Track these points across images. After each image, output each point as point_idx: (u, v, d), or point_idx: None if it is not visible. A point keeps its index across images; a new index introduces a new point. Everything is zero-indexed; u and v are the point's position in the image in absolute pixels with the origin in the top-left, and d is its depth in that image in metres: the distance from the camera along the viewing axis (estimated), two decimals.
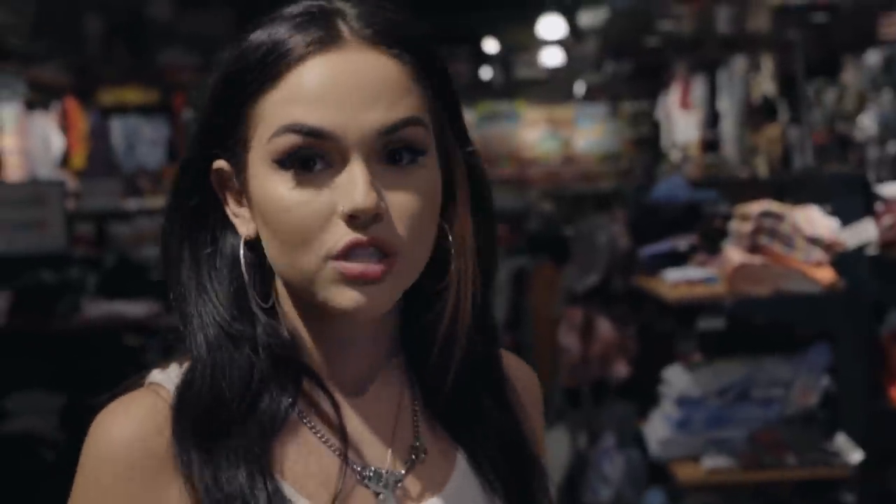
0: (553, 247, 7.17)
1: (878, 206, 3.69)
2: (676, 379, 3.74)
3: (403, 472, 1.13)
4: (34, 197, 6.34)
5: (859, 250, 3.46)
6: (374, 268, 1.05)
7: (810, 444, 3.51)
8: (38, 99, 10.96)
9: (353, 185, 1.03)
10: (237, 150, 1.09)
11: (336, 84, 1.06)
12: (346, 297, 1.05)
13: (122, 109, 13.52)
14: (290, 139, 1.05)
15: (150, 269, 6.62)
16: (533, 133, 19.23)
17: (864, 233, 3.44)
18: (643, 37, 11.39)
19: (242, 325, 1.10)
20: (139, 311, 5.76)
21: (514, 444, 1.18)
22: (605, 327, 5.27)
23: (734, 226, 3.65)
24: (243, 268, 1.11)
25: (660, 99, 14.23)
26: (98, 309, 5.71)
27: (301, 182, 1.05)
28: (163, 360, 1.14)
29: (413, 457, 1.14)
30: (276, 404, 1.08)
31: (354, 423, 1.13)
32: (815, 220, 3.43)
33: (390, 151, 1.07)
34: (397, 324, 1.17)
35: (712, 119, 12.62)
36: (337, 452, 1.10)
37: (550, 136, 19.14)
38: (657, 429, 3.81)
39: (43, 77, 10.77)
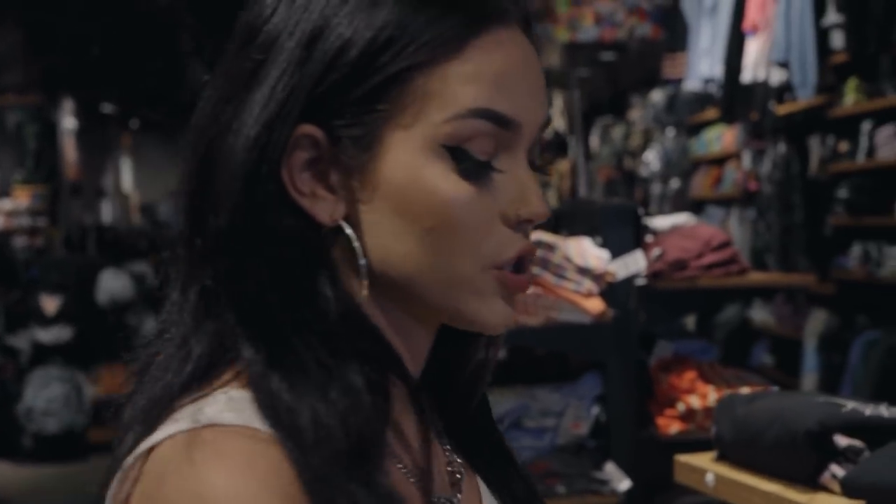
0: None
1: (648, 238, 3.76)
2: None
3: (458, 494, 1.01)
4: None
5: (628, 281, 3.51)
6: (526, 280, 0.95)
7: (580, 473, 3.53)
8: None
9: (528, 187, 0.93)
10: (360, 119, 0.90)
11: (523, 66, 0.93)
12: (499, 311, 0.94)
13: None
14: (476, 126, 0.90)
15: None
16: None
17: (634, 264, 3.49)
18: None
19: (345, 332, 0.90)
20: None
21: (499, 444, 1.10)
22: None
23: None
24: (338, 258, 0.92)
25: None
26: None
27: (468, 175, 0.90)
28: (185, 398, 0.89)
29: (458, 477, 1.03)
30: (380, 423, 0.89)
31: (415, 443, 0.97)
32: (586, 251, 3.46)
33: None
34: None
35: None
36: (412, 479, 0.94)
37: None
38: None
39: None
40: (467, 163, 0.90)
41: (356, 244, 0.91)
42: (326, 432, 0.84)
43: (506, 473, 1.08)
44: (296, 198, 0.91)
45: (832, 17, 6.32)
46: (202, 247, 0.92)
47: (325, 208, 0.91)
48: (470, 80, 0.89)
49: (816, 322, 7.00)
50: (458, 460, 1.05)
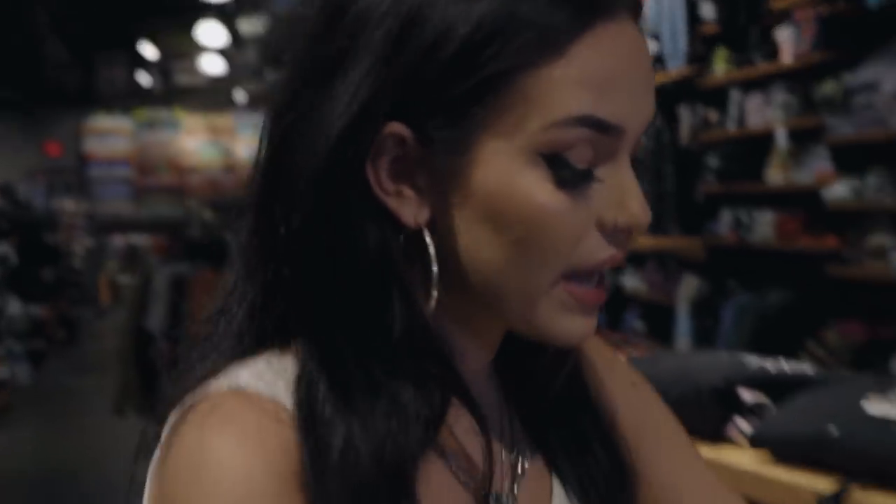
0: (213, 254, 7.05)
1: None
2: None
3: (515, 491, 0.95)
4: None
5: None
6: (602, 292, 0.87)
7: None
8: None
9: (629, 192, 0.85)
10: (454, 121, 0.82)
11: (630, 65, 0.84)
12: (575, 326, 0.87)
13: None
14: (577, 134, 0.82)
15: None
16: (193, 141, 18.97)
17: None
18: None
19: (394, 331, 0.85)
20: None
21: (605, 444, 1.02)
22: None
23: None
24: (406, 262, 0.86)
25: None
26: None
27: (564, 184, 0.83)
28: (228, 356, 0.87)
29: (519, 472, 0.97)
30: (419, 450, 0.84)
31: (470, 439, 0.92)
32: None
33: None
34: None
35: None
36: (462, 478, 0.91)
37: (211, 145, 18.93)
38: None
39: None
40: (565, 171, 0.83)
41: (431, 251, 0.86)
42: (354, 457, 0.79)
43: (586, 465, 1.01)
44: (382, 197, 0.84)
45: None
46: (270, 242, 0.87)
47: (410, 210, 0.85)
48: (573, 85, 0.81)
49: (688, 287, 7.10)
50: (526, 453, 1.00)
